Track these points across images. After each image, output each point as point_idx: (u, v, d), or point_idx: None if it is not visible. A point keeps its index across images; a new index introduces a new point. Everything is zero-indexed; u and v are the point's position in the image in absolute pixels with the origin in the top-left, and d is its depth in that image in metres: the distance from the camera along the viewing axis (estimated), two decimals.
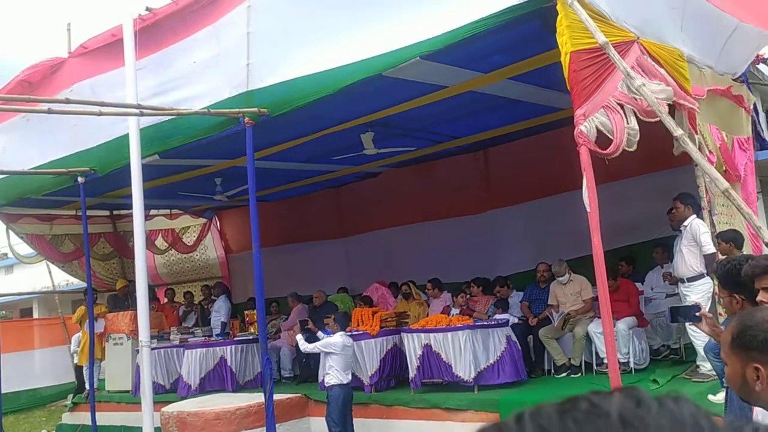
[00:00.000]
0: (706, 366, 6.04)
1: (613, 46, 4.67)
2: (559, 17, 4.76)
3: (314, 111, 6.70)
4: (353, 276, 11.55)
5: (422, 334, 7.29)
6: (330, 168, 10.27)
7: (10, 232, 10.99)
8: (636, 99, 4.91)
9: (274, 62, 6.57)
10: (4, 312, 18.39)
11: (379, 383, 7.61)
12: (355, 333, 7.64)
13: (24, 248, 11.66)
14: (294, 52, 6.40)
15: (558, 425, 0.49)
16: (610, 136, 4.80)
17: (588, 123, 4.68)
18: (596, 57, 4.75)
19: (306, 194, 12.07)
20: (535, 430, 0.48)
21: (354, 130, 7.82)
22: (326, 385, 6.82)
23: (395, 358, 7.70)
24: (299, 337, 7.15)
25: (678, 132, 4.15)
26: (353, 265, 11.88)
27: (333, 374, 6.76)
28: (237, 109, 6.69)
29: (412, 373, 7.22)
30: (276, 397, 6.81)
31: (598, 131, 4.75)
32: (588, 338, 7.37)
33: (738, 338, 1.72)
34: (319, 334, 7.28)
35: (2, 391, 10.40)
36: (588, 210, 4.56)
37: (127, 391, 9.89)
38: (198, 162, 8.95)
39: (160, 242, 13.52)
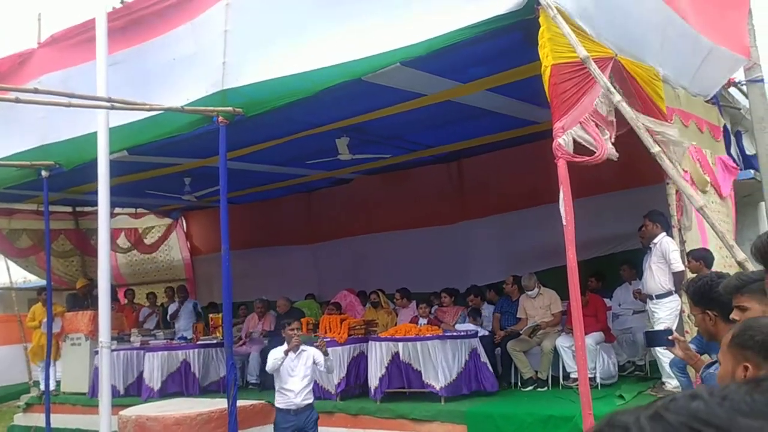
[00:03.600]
0: (671, 383, 6.09)
1: (593, 61, 4.69)
2: (541, 30, 4.77)
3: (290, 113, 6.62)
4: (321, 282, 11.45)
5: (390, 343, 7.21)
6: (302, 172, 10.17)
7: None
8: (607, 120, 4.96)
9: (251, 62, 6.47)
10: None
11: (345, 392, 7.50)
12: (326, 339, 7.52)
13: None
14: (272, 52, 6.31)
15: (753, 404, 0.43)
16: (592, 148, 4.81)
17: (566, 136, 4.69)
18: (577, 71, 4.77)
19: (276, 198, 11.94)
20: (726, 410, 0.41)
21: (329, 134, 7.75)
22: (308, 402, 5.86)
23: (361, 367, 7.60)
24: (321, 357, 5.92)
25: (655, 149, 4.18)
26: (321, 272, 11.78)
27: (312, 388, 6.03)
28: (211, 108, 6.56)
29: (374, 383, 7.13)
30: (239, 403, 6.66)
31: (576, 143, 4.77)
32: (556, 352, 7.38)
33: (737, 337, 1.74)
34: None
35: None
36: (564, 223, 4.56)
37: (84, 393, 9.59)
38: (168, 160, 8.77)
39: (122, 241, 13.25)
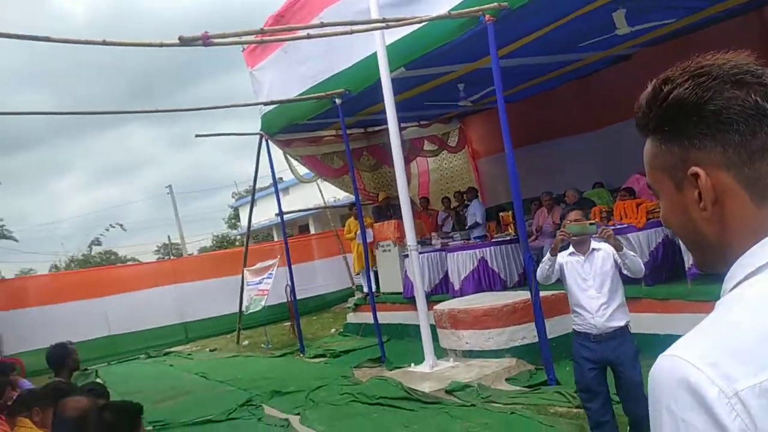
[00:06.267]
0: None
1: None
2: None
3: None
4: (609, 169, 10.95)
5: None
6: (576, 57, 9.68)
7: (288, 157, 12.25)
8: None
9: None
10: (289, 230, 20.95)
11: (650, 277, 7.23)
12: (619, 226, 7.31)
13: (301, 169, 12.95)
14: None
15: None
16: None
17: None
18: None
19: (551, 89, 11.58)
20: None
21: (602, 9, 7.21)
22: (617, 325, 4.07)
23: (668, 250, 7.23)
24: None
25: None
26: (608, 158, 11.24)
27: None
28: (477, 8, 6.55)
29: (688, 263, 6.71)
30: (541, 293, 6.86)
31: None
32: None
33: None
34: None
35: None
36: None
37: (400, 293, 10.71)
38: (441, 69, 9.02)
39: (428, 145, 14.05)
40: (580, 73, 10.99)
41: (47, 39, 5.27)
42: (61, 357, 5.12)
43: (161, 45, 5.78)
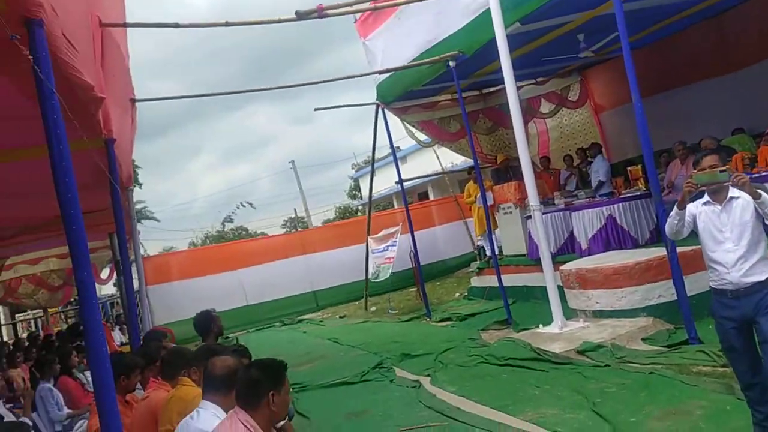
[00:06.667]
0: None
1: None
2: None
3: None
4: (749, 113, 10.10)
5: None
6: None
7: (406, 123, 12.30)
8: None
9: None
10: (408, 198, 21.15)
11: None
12: (765, 173, 6.74)
13: (420, 135, 12.98)
14: None
15: None
16: None
17: None
18: None
19: (680, 31, 10.78)
20: None
21: None
22: (757, 280, 3.65)
23: None
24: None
25: None
26: (747, 101, 10.36)
27: None
28: None
29: None
30: (678, 249, 6.49)
31: None
32: None
33: None
34: None
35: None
36: None
37: (523, 255, 10.53)
38: (558, 20, 8.63)
39: (545, 107, 13.61)
40: (712, 11, 10.14)
41: (176, 25, 5.57)
42: (206, 323, 5.49)
43: (279, 21, 5.95)
